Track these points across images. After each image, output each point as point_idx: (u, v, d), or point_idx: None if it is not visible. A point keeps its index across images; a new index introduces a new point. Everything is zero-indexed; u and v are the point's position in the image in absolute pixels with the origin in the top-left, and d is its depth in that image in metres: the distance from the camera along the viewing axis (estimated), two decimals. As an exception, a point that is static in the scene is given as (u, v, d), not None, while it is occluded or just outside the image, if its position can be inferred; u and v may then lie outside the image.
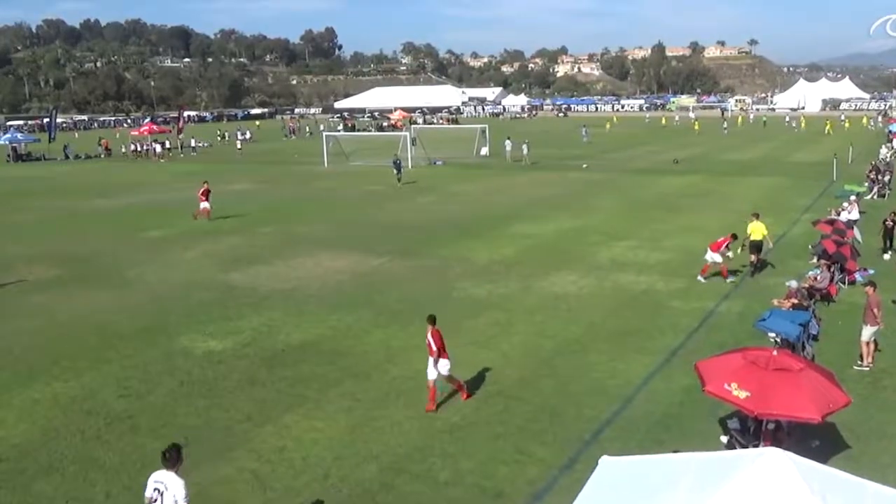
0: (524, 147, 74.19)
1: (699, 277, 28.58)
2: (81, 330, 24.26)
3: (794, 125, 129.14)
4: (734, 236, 28.74)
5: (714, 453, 11.50)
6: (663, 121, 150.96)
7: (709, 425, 16.52)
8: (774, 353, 14.42)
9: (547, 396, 18.41)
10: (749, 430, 15.43)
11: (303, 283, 29.62)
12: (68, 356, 21.89)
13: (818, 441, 15.03)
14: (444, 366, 17.72)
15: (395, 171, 59.73)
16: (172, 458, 11.37)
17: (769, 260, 31.10)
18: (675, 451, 12.39)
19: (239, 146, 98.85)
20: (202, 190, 44.60)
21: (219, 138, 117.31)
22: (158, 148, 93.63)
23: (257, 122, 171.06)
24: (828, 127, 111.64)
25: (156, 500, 11.20)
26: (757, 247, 29.64)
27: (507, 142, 78.64)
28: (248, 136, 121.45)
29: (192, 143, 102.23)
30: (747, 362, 14.11)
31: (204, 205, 44.10)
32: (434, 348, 17.64)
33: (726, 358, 15.06)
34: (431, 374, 17.80)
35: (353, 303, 26.69)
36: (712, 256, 28.48)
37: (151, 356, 21.78)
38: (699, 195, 50.92)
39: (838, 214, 35.26)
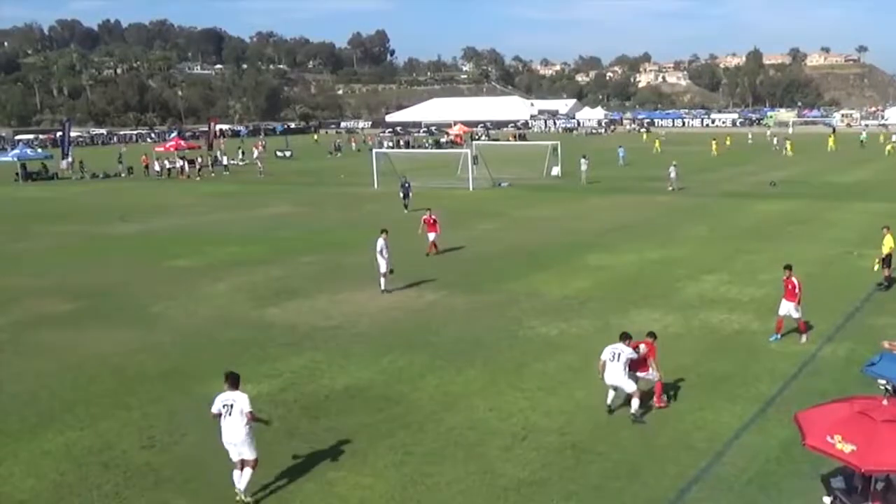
0: (672, 170, 70.37)
1: (772, 338, 26.44)
2: (98, 372, 24.57)
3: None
4: (788, 267, 26.46)
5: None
6: (719, 141, 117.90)
7: (810, 484, 16.42)
8: (885, 402, 14.37)
9: (625, 450, 18.45)
10: (856, 489, 15.35)
11: (349, 321, 29.86)
12: (83, 402, 22.18)
13: (936, 504, 14.93)
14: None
15: (401, 196, 58.53)
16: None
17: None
18: None
19: (260, 165, 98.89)
20: (425, 218, 42.37)
21: (253, 153, 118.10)
22: (186, 166, 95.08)
23: (315, 136, 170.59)
24: None
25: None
26: (888, 261, 32.53)
27: (583, 160, 77.79)
28: (289, 154, 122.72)
29: (225, 161, 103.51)
30: (854, 412, 14.08)
31: (431, 236, 41.99)
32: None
33: (830, 407, 15.04)
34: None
35: (407, 343, 26.87)
36: (788, 308, 26.25)
37: (177, 402, 22.06)
38: (799, 222, 50.58)
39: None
